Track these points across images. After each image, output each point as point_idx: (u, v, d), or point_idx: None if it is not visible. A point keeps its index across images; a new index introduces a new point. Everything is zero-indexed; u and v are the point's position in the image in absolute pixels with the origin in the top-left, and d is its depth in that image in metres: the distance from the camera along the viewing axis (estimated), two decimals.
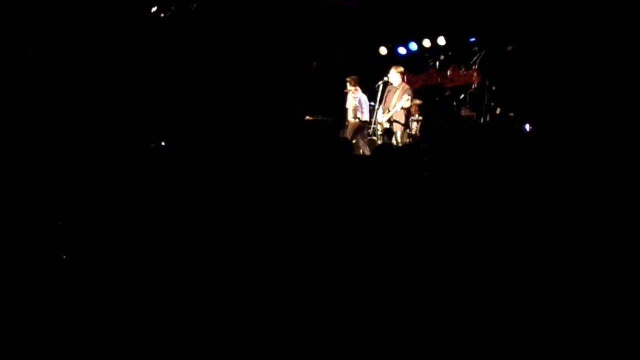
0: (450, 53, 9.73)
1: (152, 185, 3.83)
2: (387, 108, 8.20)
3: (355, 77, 8.70)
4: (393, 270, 2.79)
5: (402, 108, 8.01)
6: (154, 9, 8.33)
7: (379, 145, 7.96)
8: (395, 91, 8.13)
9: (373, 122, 8.40)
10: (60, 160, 4.50)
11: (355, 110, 8.56)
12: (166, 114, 7.82)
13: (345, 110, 8.78)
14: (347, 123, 8.67)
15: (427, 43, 9.74)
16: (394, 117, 8.09)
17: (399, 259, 2.86)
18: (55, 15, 7.06)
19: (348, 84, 8.67)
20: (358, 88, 8.62)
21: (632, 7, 6.89)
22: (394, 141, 8.03)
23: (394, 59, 9.77)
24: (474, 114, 8.66)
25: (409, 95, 8.07)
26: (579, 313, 2.40)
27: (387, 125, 8.17)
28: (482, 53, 9.14)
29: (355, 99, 8.58)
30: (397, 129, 8.05)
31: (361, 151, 8.24)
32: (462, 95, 9.18)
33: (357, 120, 8.53)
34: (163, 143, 6.89)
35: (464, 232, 3.12)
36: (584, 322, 2.35)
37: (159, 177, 4.01)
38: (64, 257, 2.81)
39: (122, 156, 4.87)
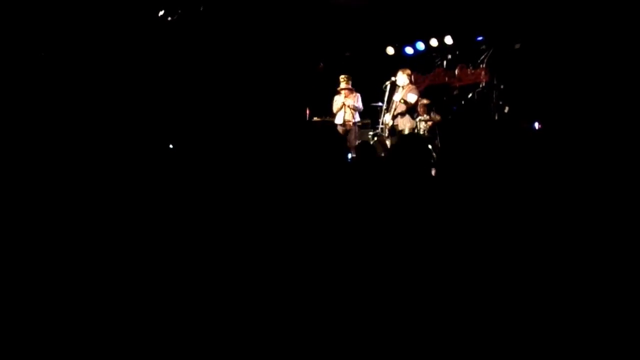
0: (457, 52, 9.68)
1: (160, 187, 3.84)
2: (393, 108, 8.21)
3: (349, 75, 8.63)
4: (399, 270, 2.78)
5: (403, 101, 7.99)
6: (161, 13, 8.37)
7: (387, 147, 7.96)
8: (401, 90, 8.15)
9: (381, 123, 8.38)
10: (67, 161, 4.52)
11: (355, 110, 8.52)
12: (174, 116, 7.84)
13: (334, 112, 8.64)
14: (347, 126, 8.45)
15: (434, 42, 9.71)
16: (397, 111, 8.08)
17: (406, 259, 2.85)
18: (64, 17, 7.11)
19: (344, 82, 8.58)
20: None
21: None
22: None
23: (401, 59, 9.75)
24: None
25: (414, 93, 8.07)
26: (592, 315, 2.38)
27: (390, 122, 8.15)
28: (490, 52, 9.11)
29: (355, 99, 8.54)
30: (403, 126, 8.03)
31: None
32: (470, 95, 9.15)
33: (352, 122, 8.47)
34: (171, 145, 6.91)
35: (472, 231, 3.10)
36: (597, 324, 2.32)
37: (167, 179, 4.02)
38: (65, 254, 2.82)
39: (131, 158, 4.89)
